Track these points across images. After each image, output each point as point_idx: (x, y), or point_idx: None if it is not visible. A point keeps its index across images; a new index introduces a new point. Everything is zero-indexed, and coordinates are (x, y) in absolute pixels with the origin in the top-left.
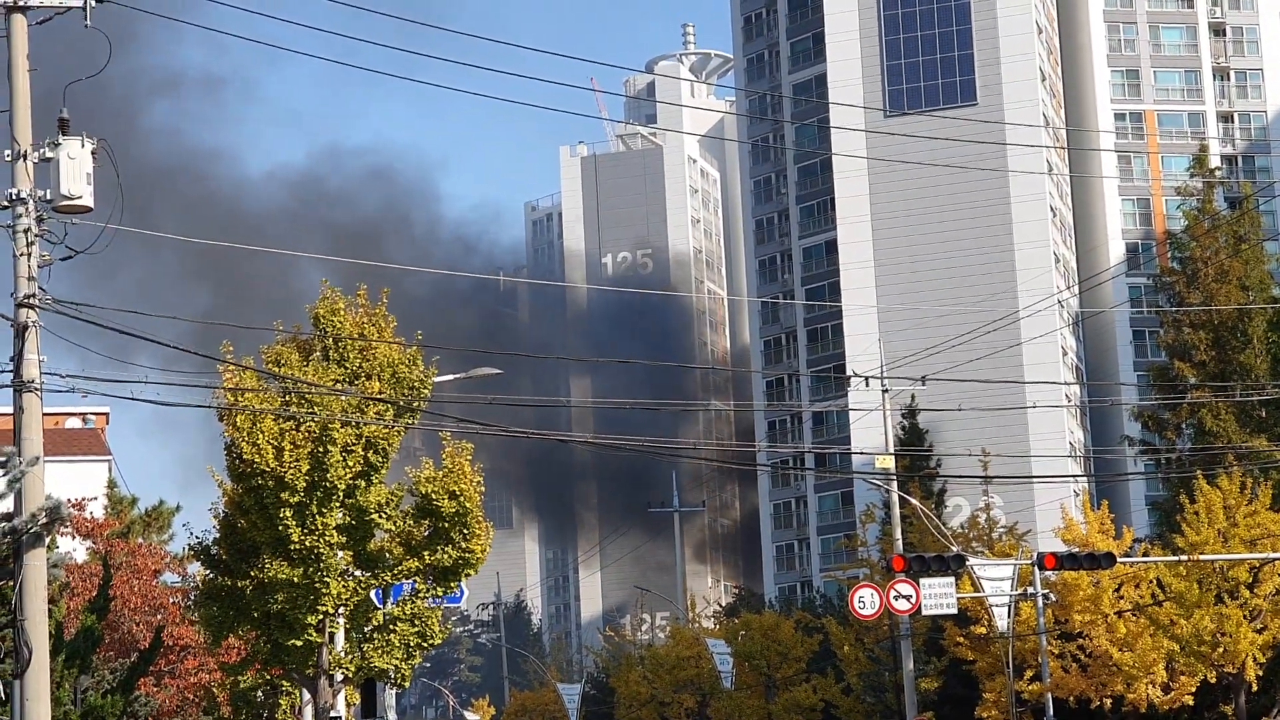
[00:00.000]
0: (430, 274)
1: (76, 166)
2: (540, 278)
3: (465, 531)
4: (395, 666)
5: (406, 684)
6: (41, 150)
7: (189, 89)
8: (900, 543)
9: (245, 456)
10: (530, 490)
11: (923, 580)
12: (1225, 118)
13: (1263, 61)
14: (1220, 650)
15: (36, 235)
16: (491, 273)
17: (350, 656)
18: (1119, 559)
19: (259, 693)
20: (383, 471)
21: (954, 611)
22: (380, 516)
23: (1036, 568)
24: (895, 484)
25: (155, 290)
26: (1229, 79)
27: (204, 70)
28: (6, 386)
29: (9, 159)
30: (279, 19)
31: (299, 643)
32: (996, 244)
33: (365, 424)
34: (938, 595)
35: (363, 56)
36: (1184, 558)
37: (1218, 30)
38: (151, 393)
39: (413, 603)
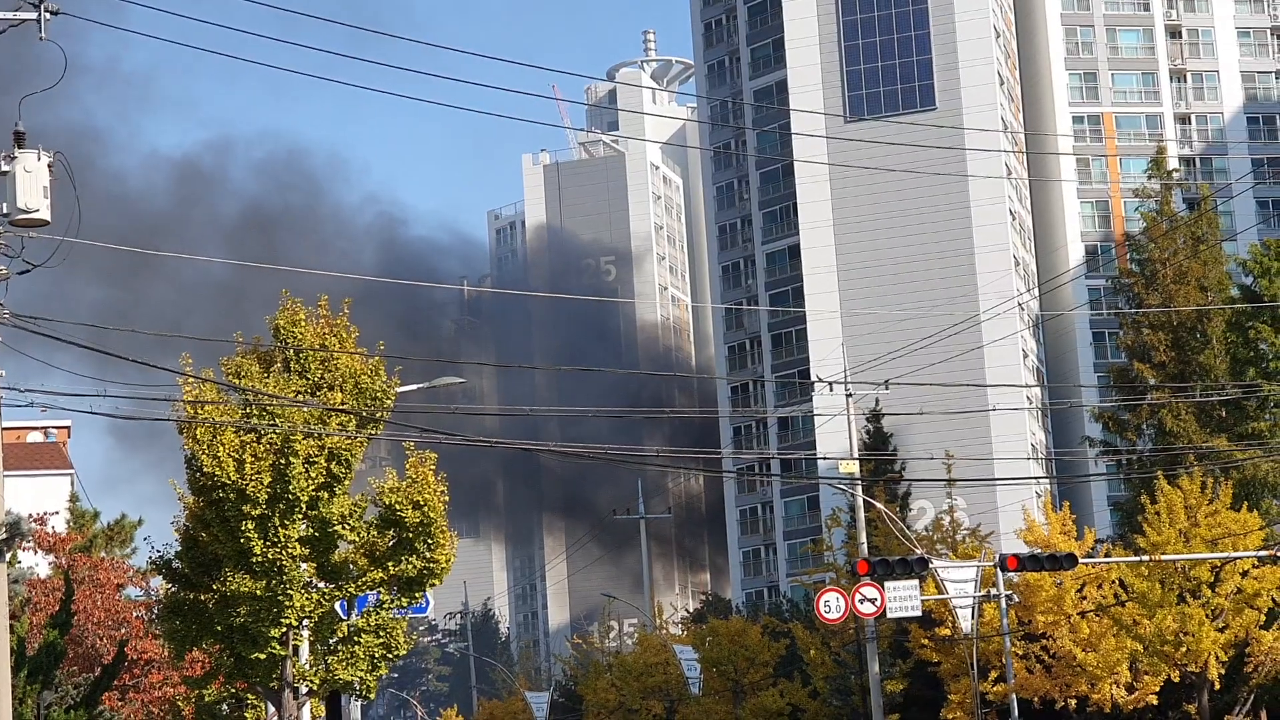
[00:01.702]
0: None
1: (33, 180)
2: (504, 285)
3: (430, 541)
4: (360, 678)
5: (372, 696)
6: None
7: (116, 86)
8: (865, 546)
9: (206, 470)
10: (497, 499)
11: (887, 583)
12: (1183, 119)
13: (1219, 63)
14: (1183, 650)
15: None
16: (455, 282)
17: (315, 669)
18: (1081, 560)
19: (224, 706)
20: (346, 483)
21: (919, 614)
22: (344, 528)
23: (999, 569)
24: (860, 488)
25: (51, 289)
26: (1186, 81)
27: (121, 64)
28: None
29: None
30: (233, 29)
31: (263, 656)
32: (957, 248)
33: (327, 435)
34: (902, 598)
35: (317, 64)
36: (1146, 558)
37: (1174, 32)
38: (110, 406)
39: (377, 614)
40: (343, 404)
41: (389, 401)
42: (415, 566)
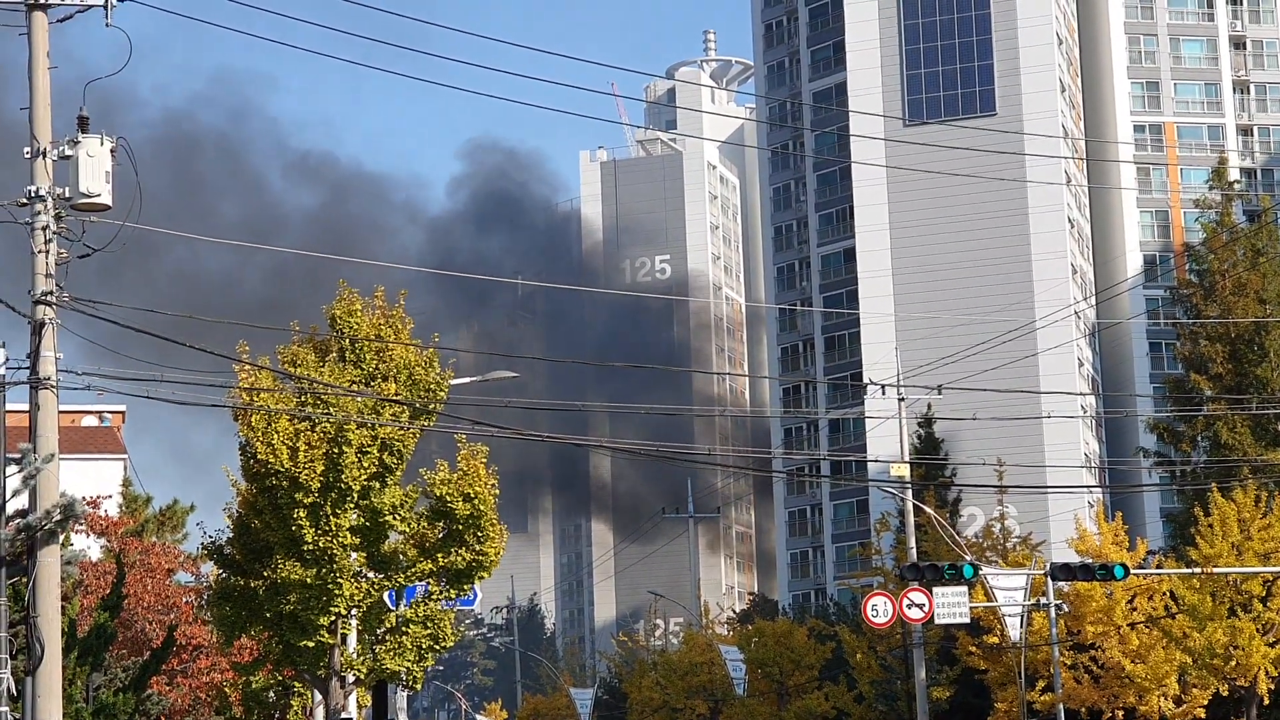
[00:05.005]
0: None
1: (95, 165)
2: (558, 280)
3: (479, 534)
4: (407, 669)
5: (418, 686)
6: (61, 148)
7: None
8: (914, 551)
9: (260, 457)
10: (546, 495)
11: (936, 589)
12: (1245, 131)
13: None
14: (1232, 663)
15: (54, 233)
16: (510, 277)
17: (362, 658)
18: (1132, 571)
19: (271, 693)
20: (397, 473)
21: (967, 621)
22: (394, 518)
23: (1049, 578)
24: (910, 493)
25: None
26: (1249, 92)
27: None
28: (23, 383)
29: (28, 156)
30: (307, 21)
31: (311, 644)
32: (1014, 254)
33: (380, 425)
34: (951, 604)
35: (374, 55)
36: (1197, 570)
37: (1238, 43)
38: (167, 392)
39: (425, 605)
40: (396, 395)
41: (442, 394)
42: (464, 559)
